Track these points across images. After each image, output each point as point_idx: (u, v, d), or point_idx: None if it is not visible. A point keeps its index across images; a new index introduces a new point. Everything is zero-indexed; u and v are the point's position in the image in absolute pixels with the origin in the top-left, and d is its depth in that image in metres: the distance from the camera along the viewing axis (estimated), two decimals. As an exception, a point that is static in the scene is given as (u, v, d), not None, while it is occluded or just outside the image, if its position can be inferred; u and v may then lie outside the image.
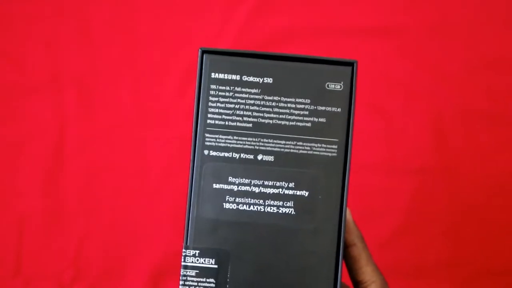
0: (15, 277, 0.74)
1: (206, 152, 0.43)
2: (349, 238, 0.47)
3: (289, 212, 0.43)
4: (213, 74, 0.44)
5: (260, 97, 0.44)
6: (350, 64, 0.44)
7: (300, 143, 0.43)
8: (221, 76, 0.44)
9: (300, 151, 0.43)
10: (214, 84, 0.44)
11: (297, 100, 0.44)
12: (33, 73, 0.77)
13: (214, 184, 0.43)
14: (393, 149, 0.75)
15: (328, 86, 0.44)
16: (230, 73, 0.44)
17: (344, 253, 0.47)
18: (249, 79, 0.44)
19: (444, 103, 0.76)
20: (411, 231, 0.74)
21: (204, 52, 0.44)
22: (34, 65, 0.77)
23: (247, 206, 0.43)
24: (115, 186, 0.75)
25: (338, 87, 0.44)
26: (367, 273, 0.47)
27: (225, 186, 0.43)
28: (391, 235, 0.73)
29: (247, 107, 0.44)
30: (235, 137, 0.43)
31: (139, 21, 0.78)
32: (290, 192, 0.43)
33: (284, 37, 0.77)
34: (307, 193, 0.43)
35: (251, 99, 0.44)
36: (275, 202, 0.43)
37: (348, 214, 0.48)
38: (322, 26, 0.77)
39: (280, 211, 0.43)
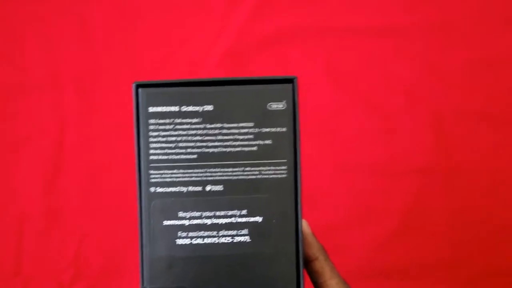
0: (15, 276, 0.74)
1: (152, 189, 0.42)
2: (310, 252, 0.46)
3: (245, 240, 0.42)
4: (150, 108, 0.42)
5: (202, 126, 0.42)
6: (290, 81, 0.43)
7: (248, 168, 0.42)
8: (159, 109, 0.42)
9: (249, 177, 0.42)
10: (153, 118, 0.42)
11: (240, 124, 0.42)
12: (33, 73, 0.77)
13: (164, 221, 0.42)
14: (393, 149, 0.75)
15: (270, 106, 0.42)
16: (168, 105, 0.42)
17: (307, 269, 0.46)
18: (188, 108, 0.42)
19: (444, 103, 0.76)
20: (411, 231, 0.74)
21: (138, 86, 0.42)
22: (34, 65, 0.77)
23: (201, 239, 0.42)
24: (115, 186, 0.75)
25: (281, 106, 0.42)
26: (331, 286, 0.46)
27: (176, 222, 0.42)
28: (391, 235, 0.73)
29: (189, 138, 0.42)
30: (181, 171, 0.42)
31: (139, 21, 0.78)
32: (244, 219, 0.42)
33: (284, 37, 0.77)
34: (261, 219, 0.42)
35: (193, 129, 0.42)
36: (229, 231, 0.42)
37: (306, 227, 0.46)
38: (322, 26, 0.77)
39: (235, 240, 0.42)
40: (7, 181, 0.76)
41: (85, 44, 0.78)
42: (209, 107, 0.42)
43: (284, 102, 0.42)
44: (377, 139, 0.75)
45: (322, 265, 0.46)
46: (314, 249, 0.46)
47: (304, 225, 0.46)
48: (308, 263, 0.46)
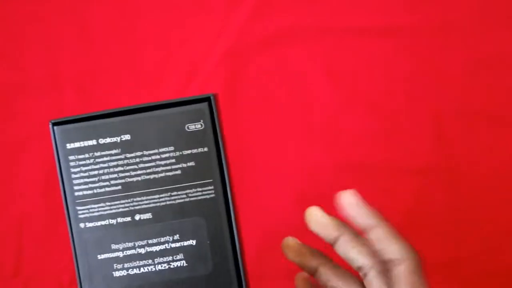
0: (15, 276, 0.74)
1: (82, 225, 0.42)
2: (366, 222, 0.43)
3: (181, 264, 0.42)
4: (68, 145, 0.42)
5: (122, 156, 0.42)
6: (206, 99, 0.42)
7: (175, 193, 0.42)
8: (77, 144, 0.42)
9: (177, 201, 0.42)
10: (72, 155, 0.42)
11: (160, 150, 0.42)
12: (33, 73, 0.78)
13: (98, 255, 0.42)
14: (393, 149, 0.75)
15: (188, 128, 0.42)
16: (85, 140, 0.42)
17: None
18: (106, 140, 0.42)
19: (444, 103, 0.75)
20: (411, 231, 0.74)
21: (54, 124, 0.42)
22: (34, 65, 0.78)
23: (137, 269, 0.42)
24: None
25: (199, 126, 0.42)
26: (396, 251, 0.42)
27: (110, 255, 0.42)
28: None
29: (111, 169, 0.42)
30: (107, 203, 0.42)
31: (139, 21, 0.78)
32: (177, 244, 0.42)
33: (284, 37, 0.77)
34: (194, 241, 0.42)
35: (113, 160, 0.42)
36: (165, 258, 0.42)
37: (352, 198, 0.43)
38: (322, 26, 0.77)
39: (172, 266, 0.42)
40: (7, 181, 0.76)
41: (85, 44, 0.78)
42: (126, 136, 0.42)
43: (201, 122, 0.42)
44: (377, 139, 0.75)
45: (384, 231, 0.43)
46: (368, 218, 0.43)
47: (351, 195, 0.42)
48: (366, 232, 0.43)
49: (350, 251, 0.42)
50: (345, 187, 0.74)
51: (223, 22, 0.78)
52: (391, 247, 0.42)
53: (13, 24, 0.78)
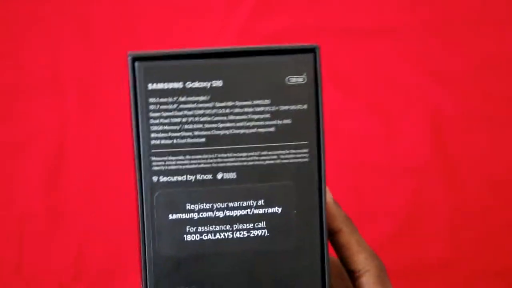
0: (15, 276, 0.74)
1: (155, 178, 0.37)
2: (333, 224, 0.41)
3: (262, 234, 0.37)
4: (150, 85, 0.36)
5: (211, 104, 0.37)
6: (311, 50, 0.37)
7: (265, 153, 0.37)
8: (160, 86, 0.36)
9: (266, 162, 0.37)
10: (153, 97, 0.36)
11: (254, 102, 0.37)
12: (34, 74, 0.77)
13: (170, 215, 0.37)
14: (392, 149, 0.75)
15: (288, 80, 0.37)
16: (170, 81, 0.36)
17: (331, 243, 0.42)
18: (194, 85, 0.36)
19: (443, 103, 0.76)
20: (411, 231, 0.74)
21: (134, 59, 0.36)
22: (34, 66, 0.77)
23: (212, 234, 0.37)
24: (116, 187, 0.75)
25: (301, 80, 0.37)
26: (360, 262, 0.41)
27: (184, 216, 0.37)
28: (391, 235, 0.74)
29: (196, 119, 0.37)
30: (187, 157, 0.37)
31: (139, 22, 0.79)
32: (261, 211, 0.37)
33: (284, 37, 0.77)
34: (280, 209, 0.37)
35: (200, 108, 0.37)
36: (245, 225, 0.37)
37: (328, 196, 0.41)
38: (322, 26, 0.78)
39: (251, 235, 0.37)
40: (8, 181, 0.76)
41: (86, 45, 0.78)
42: (218, 83, 0.37)
43: (304, 75, 0.37)
44: (376, 139, 0.75)
45: (347, 238, 0.41)
46: (338, 221, 0.41)
47: (327, 192, 0.40)
48: (332, 236, 0.41)
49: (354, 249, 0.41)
50: (344, 187, 0.74)
51: (223, 22, 0.78)
52: (357, 256, 0.41)
53: (13, 24, 0.78)
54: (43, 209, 0.75)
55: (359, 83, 0.76)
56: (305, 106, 0.37)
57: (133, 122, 0.36)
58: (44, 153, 0.76)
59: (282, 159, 0.37)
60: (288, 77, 0.37)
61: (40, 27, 0.78)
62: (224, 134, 0.37)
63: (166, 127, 0.36)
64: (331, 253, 0.43)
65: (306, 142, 0.37)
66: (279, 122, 0.37)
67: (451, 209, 0.74)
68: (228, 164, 0.37)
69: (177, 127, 0.37)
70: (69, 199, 0.75)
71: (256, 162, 0.37)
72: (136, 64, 0.36)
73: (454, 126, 0.75)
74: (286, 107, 0.37)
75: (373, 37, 0.77)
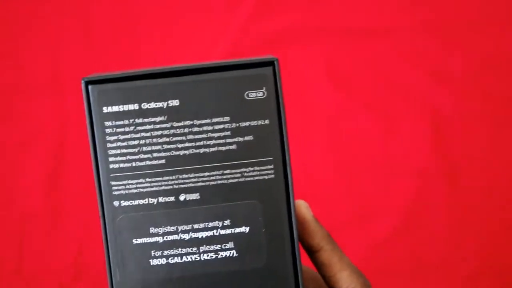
0: (16, 276, 0.74)
1: (116, 203, 0.36)
2: (314, 242, 0.40)
3: (231, 254, 0.36)
4: (104, 108, 0.35)
5: (168, 125, 0.35)
6: (269, 63, 0.36)
7: (228, 171, 0.36)
8: (116, 108, 0.35)
9: (230, 181, 0.36)
10: (109, 120, 0.35)
11: (213, 120, 0.35)
12: (34, 74, 0.77)
13: (134, 240, 0.36)
14: (392, 149, 0.75)
15: (248, 95, 0.36)
16: (125, 103, 0.35)
17: (312, 261, 0.41)
18: (150, 105, 0.35)
19: (443, 103, 0.76)
20: (411, 231, 0.74)
21: (88, 83, 0.35)
22: (35, 66, 0.78)
23: (179, 257, 0.36)
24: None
25: (260, 94, 0.36)
26: (343, 280, 0.39)
27: (148, 239, 0.36)
28: (390, 235, 0.74)
29: (154, 140, 0.35)
30: (147, 179, 0.36)
31: (140, 22, 0.79)
32: (227, 231, 0.36)
33: (284, 37, 0.77)
34: (247, 229, 0.36)
35: (157, 129, 0.35)
36: (212, 246, 0.36)
37: (306, 211, 0.40)
38: (322, 26, 0.77)
39: (219, 256, 0.36)
40: (9, 181, 0.76)
41: (86, 45, 0.78)
42: (174, 102, 0.35)
43: (264, 90, 0.36)
44: (376, 139, 0.75)
45: (329, 256, 0.39)
46: (318, 238, 0.40)
47: (303, 208, 0.40)
48: (312, 254, 0.40)
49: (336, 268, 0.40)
50: (344, 187, 0.74)
51: (223, 22, 0.78)
52: (341, 274, 0.39)
53: (13, 24, 0.78)
54: (43, 209, 0.75)
55: (359, 83, 0.76)
56: (267, 121, 0.36)
57: (91, 147, 0.36)
58: (44, 153, 0.76)
59: (246, 176, 0.36)
60: (247, 92, 0.36)
61: (40, 27, 0.78)
62: (184, 154, 0.36)
63: (124, 150, 0.36)
64: (311, 266, 0.42)
65: (270, 158, 0.36)
66: (241, 139, 0.36)
67: (451, 209, 0.74)
68: (190, 185, 0.36)
69: (135, 150, 0.36)
70: (69, 199, 0.75)
71: (219, 182, 0.36)
72: (90, 87, 0.35)
73: (454, 126, 0.75)
74: (247, 123, 0.36)
75: (373, 37, 0.77)
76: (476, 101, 0.75)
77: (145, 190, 0.36)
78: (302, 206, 0.40)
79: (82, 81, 0.35)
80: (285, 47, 0.77)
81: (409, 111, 0.76)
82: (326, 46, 0.77)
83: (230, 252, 0.36)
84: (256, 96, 0.36)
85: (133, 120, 0.35)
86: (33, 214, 0.75)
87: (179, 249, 0.36)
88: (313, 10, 0.78)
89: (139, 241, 0.36)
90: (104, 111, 0.35)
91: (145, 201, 0.36)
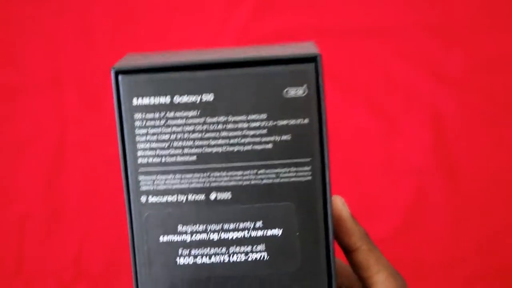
0: (16, 276, 0.74)
1: (143, 199, 0.34)
2: (350, 241, 0.38)
3: (261, 257, 0.34)
4: (135, 100, 0.34)
5: (201, 120, 0.34)
6: (312, 59, 0.34)
7: (262, 171, 0.34)
8: (147, 100, 0.34)
9: (264, 181, 0.34)
10: (139, 112, 0.34)
11: (249, 117, 0.33)
12: (34, 74, 0.77)
13: (161, 237, 0.34)
14: (392, 149, 0.75)
15: (287, 93, 0.33)
16: (157, 95, 0.33)
17: (348, 261, 0.39)
18: (182, 99, 0.33)
19: (443, 103, 0.76)
20: (411, 230, 0.74)
21: (118, 72, 0.34)
22: (35, 66, 0.78)
23: (207, 258, 0.34)
24: (116, 186, 0.75)
25: (301, 92, 0.34)
26: (379, 283, 0.37)
27: (175, 238, 0.34)
28: (390, 235, 0.74)
29: (186, 135, 0.34)
30: (177, 176, 0.34)
31: (139, 21, 0.79)
32: (259, 233, 0.34)
33: (284, 37, 0.77)
34: (280, 231, 0.34)
35: (189, 124, 0.34)
36: (242, 248, 0.34)
37: (343, 208, 0.39)
38: (322, 26, 0.78)
39: (249, 258, 0.34)
40: (8, 181, 0.76)
41: (86, 44, 0.78)
42: (209, 96, 0.33)
43: (305, 87, 0.34)
44: (376, 138, 0.75)
45: (366, 256, 0.37)
46: (355, 237, 0.38)
47: (340, 204, 0.38)
48: (348, 254, 0.38)
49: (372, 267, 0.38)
50: (344, 187, 0.74)
51: (223, 22, 0.78)
52: (377, 276, 0.38)
53: (13, 24, 0.78)
54: (43, 209, 0.75)
55: (359, 83, 0.76)
56: (306, 121, 0.34)
57: (119, 140, 0.34)
58: (44, 153, 0.76)
59: (281, 177, 0.34)
60: (287, 89, 0.34)
61: (40, 27, 0.78)
62: (217, 152, 0.34)
63: (153, 145, 0.34)
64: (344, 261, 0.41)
65: (308, 160, 0.34)
66: (277, 138, 0.34)
67: (451, 209, 0.74)
68: (222, 183, 0.34)
69: (166, 145, 0.34)
70: (69, 199, 0.75)
71: (253, 182, 0.34)
72: (120, 77, 0.34)
73: (454, 126, 0.75)
74: (285, 122, 0.34)
75: (373, 37, 0.77)
76: (476, 101, 0.75)
77: (174, 186, 0.34)
78: (338, 202, 0.39)
79: (112, 70, 0.34)
80: (285, 47, 0.77)
81: (409, 111, 0.76)
82: (326, 46, 0.77)
83: (261, 255, 0.35)
84: (296, 94, 0.34)
85: (164, 113, 0.34)
86: (33, 214, 0.75)
87: (208, 249, 0.34)
88: (313, 10, 0.78)
89: (166, 238, 0.34)
90: (134, 103, 0.34)
91: (174, 198, 0.34)
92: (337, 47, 0.77)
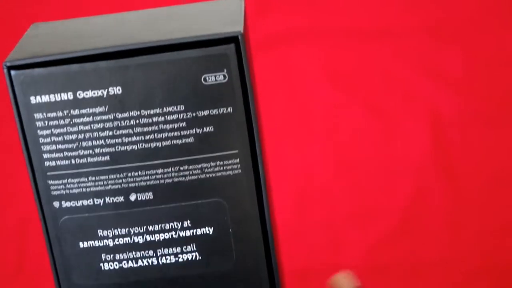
0: (16, 276, 0.74)
1: (56, 204, 0.31)
2: None
3: (193, 257, 0.32)
4: (32, 98, 0.30)
5: (111, 116, 0.30)
6: (231, 40, 0.29)
7: (185, 167, 0.31)
8: (46, 98, 0.30)
9: (188, 178, 0.31)
10: (39, 112, 0.30)
11: (165, 109, 0.30)
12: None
13: (80, 243, 0.31)
14: (392, 149, 0.75)
15: (205, 79, 0.29)
16: (57, 91, 0.29)
17: None
18: (87, 94, 0.29)
19: (443, 103, 0.76)
20: (410, 230, 0.74)
21: (10, 68, 0.29)
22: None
23: (134, 261, 0.32)
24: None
25: (221, 77, 0.30)
26: None
27: (97, 243, 0.31)
28: (390, 234, 0.73)
29: (95, 134, 0.30)
30: (90, 178, 0.31)
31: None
32: (188, 233, 0.31)
33: (284, 37, 0.77)
34: (211, 229, 0.31)
35: (98, 122, 0.30)
36: (170, 249, 0.31)
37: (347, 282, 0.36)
38: (322, 27, 0.77)
39: (180, 259, 0.32)
40: (9, 180, 0.76)
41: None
42: (116, 89, 0.29)
43: (224, 72, 0.29)
44: (376, 138, 0.75)
45: None
46: None
47: (347, 279, 0.36)
48: None
49: None
50: (344, 187, 0.74)
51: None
52: None
53: (13, 24, 0.78)
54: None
55: (359, 83, 0.76)
56: (230, 109, 0.30)
57: (22, 142, 0.31)
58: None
59: (207, 173, 0.31)
60: (205, 75, 0.30)
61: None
62: (132, 150, 0.30)
63: (60, 146, 0.30)
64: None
65: (235, 151, 0.31)
66: (199, 130, 0.30)
67: (450, 209, 0.74)
68: (141, 183, 0.31)
69: (74, 145, 0.30)
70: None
71: (175, 179, 0.31)
72: (13, 73, 0.29)
73: (454, 126, 0.75)
74: (206, 112, 0.30)
75: (373, 37, 0.77)
76: (476, 101, 0.75)
77: (88, 189, 0.31)
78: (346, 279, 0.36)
79: (4, 66, 0.29)
80: (285, 47, 0.77)
81: (409, 111, 0.76)
82: (326, 46, 0.77)
83: (192, 255, 0.32)
84: (216, 80, 0.30)
85: (68, 111, 0.30)
86: (33, 214, 0.75)
87: (134, 253, 0.32)
88: (313, 10, 0.78)
89: (87, 244, 0.32)
90: (32, 102, 0.30)
91: (90, 201, 0.31)
92: (336, 47, 0.77)
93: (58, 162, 0.31)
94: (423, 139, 0.75)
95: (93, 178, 0.31)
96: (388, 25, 0.77)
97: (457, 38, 0.76)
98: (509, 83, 0.76)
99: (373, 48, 0.77)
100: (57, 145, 0.30)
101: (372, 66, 0.76)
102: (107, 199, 0.31)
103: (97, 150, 0.30)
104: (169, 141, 0.30)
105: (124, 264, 0.32)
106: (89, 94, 0.30)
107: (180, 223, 0.31)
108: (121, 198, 0.31)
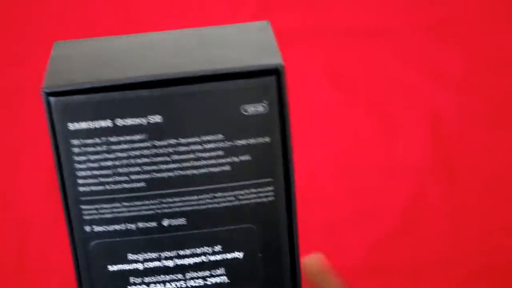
0: (16, 276, 0.74)
1: (87, 228, 0.31)
2: None
3: (222, 281, 0.32)
4: (71, 125, 0.30)
5: (149, 144, 0.30)
6: (273, 72, 0.30)
7: (220, 194, 0.31)
8: (84, 125, 0.30)
9: (222, 204, 0.31)
10: (77, 138, 0.30)
11: (203, 138, 0.30)
12: (34, 74, 0.78)
13: (109, 266, 0.32)
14: (392, 149, 0.75)
15: (245, 110, 0.30)
16: (96, 119, 0.29)
17: None
18: (126, 122, 0.30)
19: (443, 103, 0.76)
20: (410, 230, 0.74)
21: (49, 95, 0.30)
22: (35, 66, 0.78)
23: (162, 284, 0.32)
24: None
25: (261, 108, 0.30)
26: None
27: (126, 267, 0.32)
28: (390, 234, 0.74)
29: (132, 161, 0.30)
30: (124, 204, 0.31)
31: (141, 22, 0.79)
32: (218, 257, 0.32)
33: (284, 37, 0.77)
34: (241, 254, 0.32)
35: (135, 149, 0.30)
36: (199, 273, 0.32)
37: (319, 262, 0.38)
38: (322, 27, 0.78)
39: (208, 283, 0.32)
40: (10, 181, 0.76)
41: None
42: (156, 118, 0.30)
43: (264, 103, 0.30)
44: (376, 139, 0.75)
45: None
46: None
47: (317, 260, 0.37)
48: None
49: None
50: (344, 187, 0.74)
51: (223, 22, 0.78)
52: None
53: (13, 24, 0.78)
54: (44, 211, 0.75)
55: (359, 83, 0.76)
56: (267, 139, 0.30)
57: (56, 167, 0.30)
58: (45, 154, 0.76)
59: (241, 200, 0.31)
60: (244, 106, 0.30)
61: (41, 29, 0.78)
62: (169, 177, 0.31)
63: (96, 172, 0.30)
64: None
65: (270, 180, 0.31)
66: (236, 159, 0.31)
67: (451, 209, 0.74)
68: (175, 209, 0.31)
69: (109, 172, 0.30)
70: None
71: (210, 206, 0.31)
72: (52, 100, 0.30)
73: (454, 126, 0.75)
74: (244, 142, 0.30)
75: (373, 37, 0.77)
76: (476, 101, 0.75)
77: (121, 215, 0.31)
78: (315, 258, 0.37)
79: (42, 92, 0.30)
80: (285, 47, 0.77)
81: (409, 111, 0.76)
82: (326, 47, 0.77)
83: (221, 278, 0.32)
84: (256, 111, 0.30)
85: (105, 138, 0.30)
86: (34, 215, 0.75)
87: (162, 276, 0.32)
88: (313, 11, 0.78)
89: (116, 267, 0.32)
90: (70, 128, 0.30)
91: (122, 227, 0.31)
92: (336, 47, 0.77)
93: (93, 188, 0.31)
94: (423, 139, 0.75)
95: (127, 204, 0.31)
96: (388, 25, 0.77)
97: (457, 38, 0.76)
98: (509, 83, 0.76)
99: (373, 48, 0.77)
100: (93, 171, 0.30)
101: (372, 66, 0.76)
102: (139, 224, 0.31)
103: (133, 177, 0.30)
104: (206, 168, 0.30)
105: (152, 286, 0.32)
106: (129, 122, 0.30)
107: (211, 247, 0.32)
108: (154, 223, 0.31)
